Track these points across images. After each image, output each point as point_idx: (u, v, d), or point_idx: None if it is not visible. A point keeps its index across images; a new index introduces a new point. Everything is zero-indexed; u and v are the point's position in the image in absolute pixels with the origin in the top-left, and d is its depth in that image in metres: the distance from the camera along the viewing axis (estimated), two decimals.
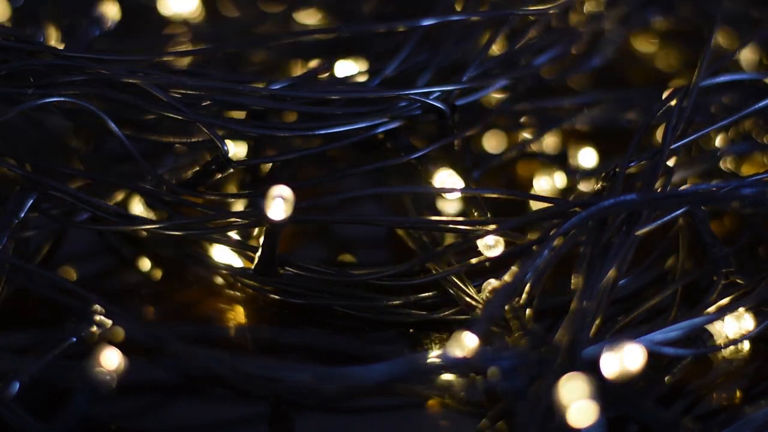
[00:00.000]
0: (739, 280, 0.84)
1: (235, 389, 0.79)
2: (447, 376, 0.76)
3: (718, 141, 0.98)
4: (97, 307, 0.80)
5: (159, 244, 0.94)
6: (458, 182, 0.90)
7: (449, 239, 0.91)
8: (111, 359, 0.73)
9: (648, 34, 1.13)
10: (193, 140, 0.92)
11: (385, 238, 0.96)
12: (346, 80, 0.92)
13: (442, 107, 0.90)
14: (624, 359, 0.71)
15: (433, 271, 0.87)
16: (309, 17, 1.09)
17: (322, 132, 0.89)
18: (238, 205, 0.92)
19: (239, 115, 0.91)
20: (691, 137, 0.89)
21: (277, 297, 0.88)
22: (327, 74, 0.93)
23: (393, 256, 0.95)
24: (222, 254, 0.91)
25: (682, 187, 0.90)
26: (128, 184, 0.91)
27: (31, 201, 0.87)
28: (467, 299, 0.84)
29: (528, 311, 0.81)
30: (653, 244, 0.89)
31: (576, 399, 0.68)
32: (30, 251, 0.92)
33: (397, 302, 0.87)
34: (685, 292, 0.87)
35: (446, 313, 0.86)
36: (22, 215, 0.87)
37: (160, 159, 0.95)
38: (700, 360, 0.82)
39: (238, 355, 0.75)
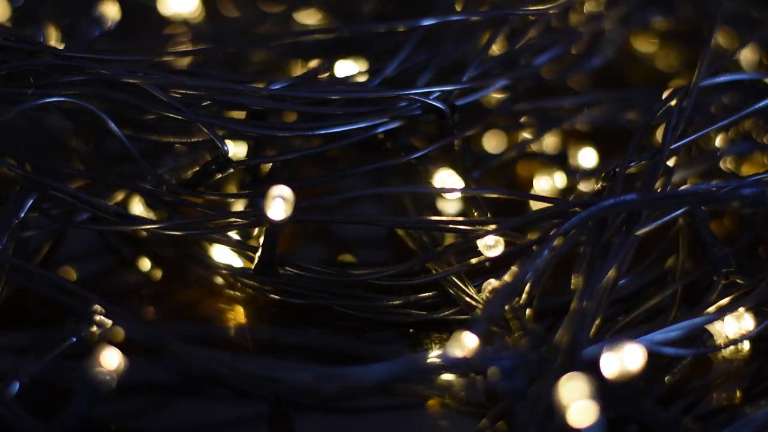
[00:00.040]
0: (739, 280, 0.84)
1: (235, 389, 0.79)
2: (447, 376, 0.76)
3: (718, 141, 0.98)
4: (97, 307, 0.80)
5: (159, 244, 0.94)
6: (458, 182, 0.90)
7: (449, 239, 0.91)
8: (111, 359, 0.73)
9: (648, 34, 1.13)
10: (193, 140, 0.92)
11: (385, 238, 0.96)
12: (346, 80, 0.92)
13: (442, 107, 0.90)
14: (624, 359, 0.71)
15: (433, 271, 0.87)
16: (309, 17, 1.09)
17: (322, 132, 0.89)
18: (238, 205, 0.92)
19: (239, 115, 0.91)
20: (691, 137, 0.89)
21: (277, 297, 0.88)
22: (327, 74, 0.93)
23: (393, 256, 0.95)
24: (222, 254, 0.91)
25: (682, 187, 0.90)
26: (128, 184, 0.91)
27: (31, 201, 0.87)
28: (467, 299, 0.84)
29: (528, 311, 0.81)
30: (653, 244, 0.89)
31: (576, 399, 0.68)
32: (30, 251, 0.92)
33: (397, 302, 0.87)
34: (685, 292, 0.87)
35: (446, 313, 0.86)
36: (22, 215, 0.87)
37: (160, 159, 0.95)
38: (700, 360, 0.82)
39: (238, 355, 0.75)
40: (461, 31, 0.94)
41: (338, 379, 0.72)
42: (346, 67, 0.93)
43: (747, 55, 1.07)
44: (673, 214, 0.85)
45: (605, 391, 0.70)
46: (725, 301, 0.82)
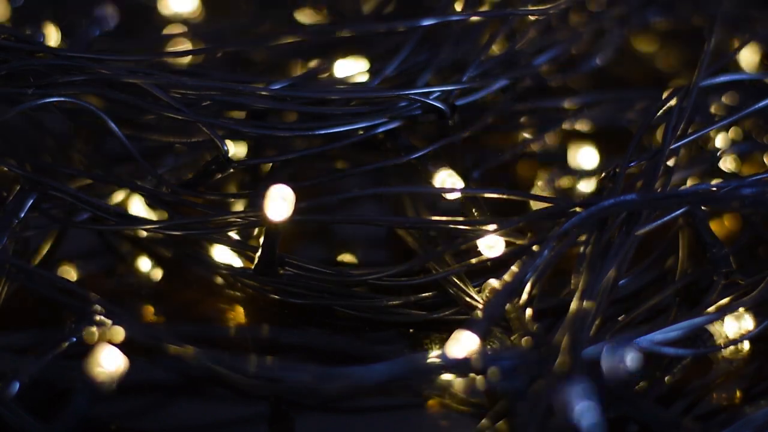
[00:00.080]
0: (739, 280, 0.84)
1: (235, 389, 0.79)
2: (447, 376, 0.76)
3: (718, 141, 0.98)
4: (97, 307, 0.80)
5: (159, 244, 0.94)
6: (458, 182, 0.90)
7: (449, 239, 0.91)
8: (111, 359, 0.73)
9: (648, 34, 1.13)
10: (193, 140, 0.92)
11: (385, 238, 0.96)
12: (346, 80, 0.92)
13: (442, 107, 0.90)
14: (624, 359, 0.71)
15: (433, 271, 0.87)
16: (309, 17, 1.09)
17: (322, 132, 0.89)
18: (238, 205, 0.92)
19: (239, 115, 0.91)
20: (691, 137, 0.89)
21: (277, 297, 0.88)
22: (327, 74, 0.93)
23: (393, 256, 0.95)
24: (222, 254, 0.91)
25: (682, 187, 0.91)
26: (128, 184, 0.91)
27: (31, 201, 0.87)
28: (467, 299, 0.84)
29: (528, 311, 0.81)
30: (653, 244, 0.89)
31: (576, 399, 0.68)
32: (30, 251, 0.92)
33: (397, 302, 0.87)
34: (685, 292, 0.87)
35: (446, 313, 0.86)
36: (22, 215, 0.87)
37: (160, 159, 0.95)
38: (700, 360, 0.82)
39: (238, 355, 0.75)
40: (461, 31, 0.94)
41: (338, 379, 0.72)
42: (346, 67, 0.93)
43: (747, 55, 1.07)
44: (673, 214, 0.85)
45: (605, 391, 0.70)
46: (725, 301, 0.82)
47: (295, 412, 0.81)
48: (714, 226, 0.90)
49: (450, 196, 0.92)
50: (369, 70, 0.93)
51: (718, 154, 0.96)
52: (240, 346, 0.85)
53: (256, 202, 0.83)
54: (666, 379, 0.79)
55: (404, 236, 0.92)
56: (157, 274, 0.95)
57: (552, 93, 1.04)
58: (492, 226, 0.85)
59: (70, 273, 0.93)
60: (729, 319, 0.82)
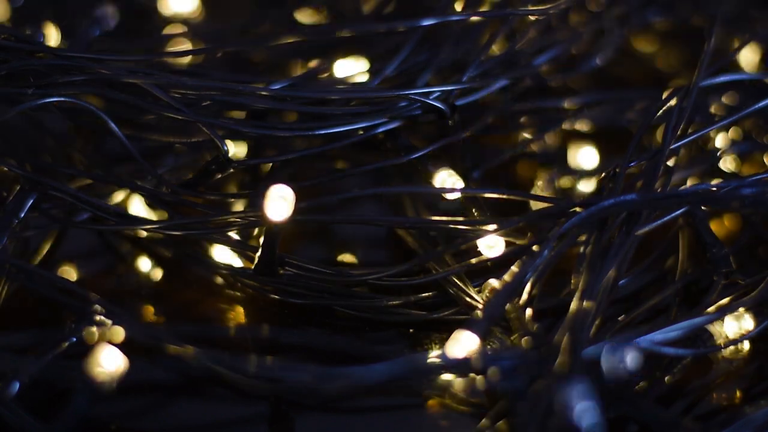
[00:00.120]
0: (739, 280, 0.84)
1: (235, 389, 0.79)
2: (447, 376, 0.76)
3: (718, 141, 0.98)
4: (97, 307, 0.80)
5: (159, 244, 0.94)
6: (458, 182, 0.90)
7: (449, 239, 0.91)
8: (111, 359, 0.73)
9: (648, 34, 1.13)
10: (193, 140, 0.92)
11: (385, 238, 0.96)
12: (346, 80, 0.92)
13: (442, 107, 0.90)
14: (624, 359, 0.71)
15: (433, 271, 0.87)
16: (309, 17, 1.09)
17: (322, 132, 0.89)
18: (238, 205, 0.92)
19: (239, 115, 0.91)
20: (691, 137, 0.89)
21: (277, 297, 0.88)
22: (327, 74, 0.93)
23: (393, 256, 0.95)
24: (222, 254, 0.91)
25: (682, 187, 0.91)
26: (128, 184, 0.91)
27: (31, 201, 0.87)
28: (467, 299, 0.84)
29: (528, 311, 0.81)
30: (653, 244, 0.89)
31: (576, 399, 0.68)
32: (30, 251, 0.92)
33: (397, 302, 0.87)
34: (685, 292, 0.87)
35: (446, 313, 0.86)
36: (22, 215, 0.87)
37: (160, 159, 0.95)
38: (700, 360, 0.82)
39: (238, 355, 0.75)
40: (461, 31, 0.94)
41: (338, 379, 0.72)
42: (346, 67, 0.93)
43: (747, 55, 1.07)
44: (673, 214, 0.85)
45: (605, 391, 0.70)
46: (725, 301, 0.82)
47: (295, 412, 0.81)
48: (714, 226, 0.90)
49: (450, 196, 0.92)
50: (369, 70, 0.93)
51: (718, 154, 0.96)
52: (240, 346, 0.85)
53: (256, 202, 0.82)
54: (666, 379, 0.79)
55: (404, 236, 0.92)
56: (157, 274, 0.95)
57: (552, 93, 1.04)
58: (492, 226, 0.85)
59: (70, 273, 0.93)
60: (729, 319, 0.82)
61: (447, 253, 0.87)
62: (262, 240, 0.84)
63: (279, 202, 0.81)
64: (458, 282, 0.85)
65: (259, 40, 1.03)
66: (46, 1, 1.05)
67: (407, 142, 0.92)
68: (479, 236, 0.86)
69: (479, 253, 0.86)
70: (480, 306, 0.83)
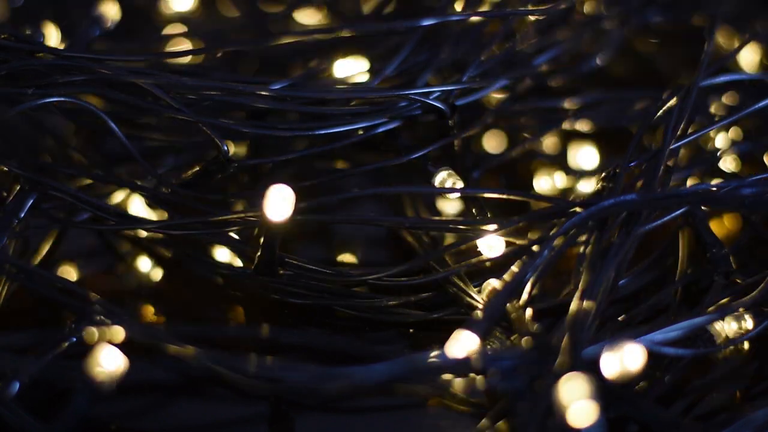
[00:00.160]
0: (739, 280, 0.84)
1: (235, 389, 0.79)
2: (447, 376, 0.76)
3: (718, 141, 0.98)
4: (97, 307, 0.80)
5: (159, 244, 0.94)
6: (458, 182, 0.90)
7: (449, 239, 0.91)
8: (111, 359, 0.73)
9: (648, 34, 1.13)
10: (193, 140, 0.92)
11: (385, 238, 0.96)
12: (346, 80, 0.92)
13: (442, 107, 0.90)
14: (624, 359, 0.71)
15: (433, 271, 0.87)
16: (309, 17, 1.09)
17: (322, 132, 0.89)
18: (238, 205, 0.92)
19: (239, 115, 0.91)
20: (691, 137, 0.89)
21: (277, 297, 0.88)
22: (327, 74, 0.93)
23: (393, 256, 0.95)
24: (222, 254, 0.91)
25: (682, 187, 0.91)
26: (128, 184, 0.91)
27: (31, 201, 0.87)
28: (467, 299, 0.84)
29: (528, 311, 0.81)
30: (653, 244, 0.89)
31: (576, 399, 0.68)
32: (30, 251, 0.92)
33: (397, 302, 0.87)
34: (685, 292, 0.87)
35: (446, 313, 0.86)
36: (22, 215, 0.87)
37: (160, 159, 0.95)
38: (700, 360, 0.82)
39: (238, 355, 0.75)
40: (461, 31, 0.94)
41: (338, 379, 0.72)
42: (346, 67, 0.93)
43: (747, 55, 1.07)
44: (673, 214, 0.85)
45: (605, 391, 0.70)
46: (725, 301, 0.82)
47: (295, 412, 0.81)
48: (714, 226, 0.90)
49: (450, 196, 0.92)
50: (369, 70, 0.93)
51: (718, 154, 0.96)
52: (240, 346, 0.85)
53: (256, 202, 0.82)
54: (666, 379, 0.79)
55: (404, 236, 0.92)
56: (157, 274, 0.95)
57: (552, 93, 1.04)
58: (492, 226, 0.85)
59: (70, 273, 0.93)
60: (729, 319, 0.81)
61: (447, 253, 0.87)
62: (262, 240, 0.84)
63: (279, 202, 0.81)
64: (458, 282, 0.85)
65: (259, 40, 1.03)
66: (46, 1, 1.05)
67: (407, 142, 0.92)
68: (479, 236, 0.86)
69: (479, 253, 0.86)
70: (480, 306, 0.83)
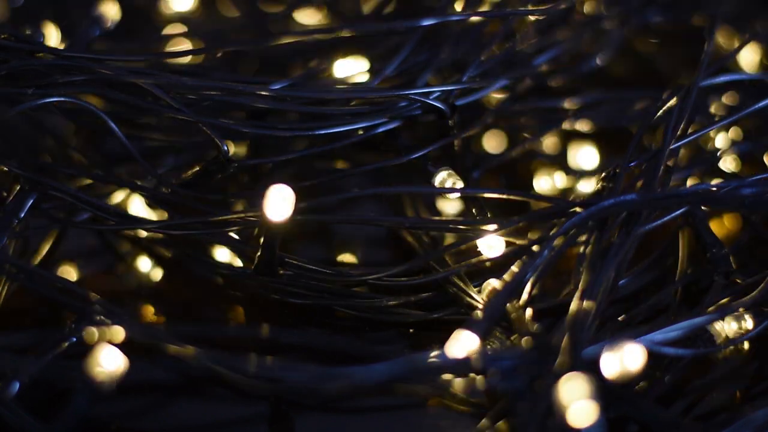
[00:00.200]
0: (739, 280, 0.84)
1: (235, 389, 0.79)
2: (447, 376, 0.76)
3: (718, 141, 0.98)
4: (97, 307, 0.80)
5: (159, 244, 0.94)
6: (458, 182, 0.90)
7: (449, 239, 0.91)
8: (111, 359, 0.73)
9: (648, 34, 1.13)
10: (193, 140, 0.92)
11: (385, 238, 0.96)
12: (346, 80, 0.92)
13: (442, 107, 0.90)
14: (624, 359, 0.71)
15: (433, 271, 0.87)
16: (309, 17, 1.09)
17: (322, 132, 0.89)
18: (238, 205, 0.92)
19: (239, 115, 0.91)
20: (691, 137, 0.89)
21: (277, 297, 0.88)
22: (327, 74, 0.93)
23: (393, 256, 0.95)
24: (222, 254, 0.91)
25: (682, 187, 0.90)
26: (128, 184, 0.91)
27: (31, 201, 0.87)
28: (467, 299, 0.84)
29: (528, 311, 0.81)
30: (653, 244, 0.89)
31: (576, 399, 0.68)
32: (30, 251, 0.92)
33: (397, 302, 0.87)
34: (685, 292, 0.87)
35: (446, 313, 0.86)
36: (22, 215, 0.87)
37: (160, 159, 0.95)
38: (700, 360, 0.82)
39: (238, 355, 0.75)
40: (461, 31, 0.94)
41: (338, 379, 0.72)
42: (346, 67, 0.93)
43: (747, 55, 1.07)
44: (673, 214, 0.85)
45: (605, 391, 0.70)
46: (725, 301, 0.82)
47: (295, 412, 0.81)
48: (714, 226, 0.90)
49: (450, 196, 0.92)
50: (369, 70, 0.93)
51: (718, 154, 0.96)
52: (240, 346, 0.85)
53: (256, 202, 0.82)
54: (666, 379, 0.79)
55: (404, 236, 0.92)
56: (157, 274, 0.95)
57: (552, 93, 1.04)
58: (492, 226, 0.85)
59: (70, 273, 0.93)
60: (729, 319, 0.81)
61: (447, 253, 0.87)
62: (262, 240, 0.84)
63: (279, 202, 0.81)
64: (458, 282, 0.85)
65: (259, 40, 1.03)
66: (46, 1, 1.05)
67: (407, 142, 0.92)
68: (479, 236, 0.86)
69: (479, 253, 0.86)
70: (480, 306, 0.83)
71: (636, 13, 1.07)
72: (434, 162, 0.91)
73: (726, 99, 1.00)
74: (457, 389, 0.76)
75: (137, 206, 0.94)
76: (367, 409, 0.81)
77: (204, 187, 0.90)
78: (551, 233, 0.81)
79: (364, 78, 0.92)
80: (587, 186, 0.99)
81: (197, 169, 0.91)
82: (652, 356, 0.74)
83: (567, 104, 1.02)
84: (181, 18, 1.09)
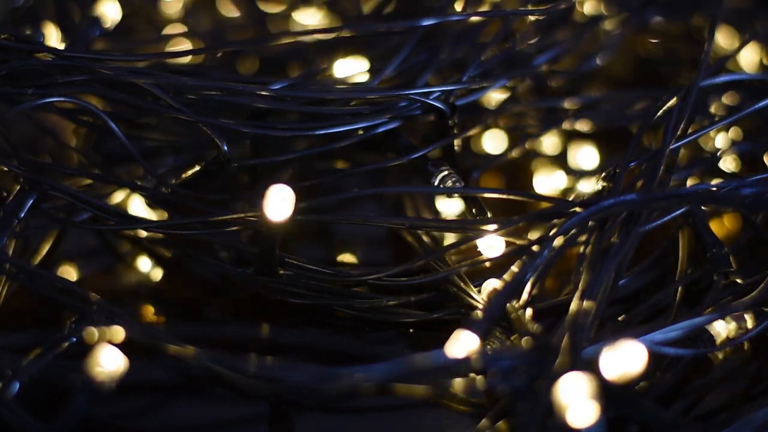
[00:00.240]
0: (739, 280, 0.84)
1: (235, 389, 0.79)
2: (447, 376, 0.76)
3: (718, 141, 0.98)
4: (97, 306, 0.80)
5: (159, 244, 0.94)
6: (458, 182, 0.90)
7: (449, 239, 0.91)
8: (111, 359, 0.73)
9: (648, 34, 1.13)
10: (193, 140, 0.92)
11: (385, 238, 0.96)
12: (346, 80, 0.92)
13: (442, 107, 0.90)
14: (624, 359, 0.71)
15: (433, 271, 0.87)
16: (309, 17, 1.09)
17: (322, 132, 0.89)
18: (238, 205, 0.92)
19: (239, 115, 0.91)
20: (691, 137, 0.89)
21: (277, 297, 0.88)
22: (327, 74, 0.93)
23: (393, 256, 0.95)
24: (221, 253, 0.91)
25: (682, 188, 0.90)
26: (128, 184, 0.91)
27: (31, 201, 0.87)
28: (467, 299, 0.84)
29: (528, 311, 0.81)
30: (653, 244, 0.89)
31: (576, 399, 0.68)
32: (30, 251, 0.92)
33: (397, 302, 0.87)
34: (685, 292, 0.87)
35: (446, 313, 0.86)
36: (22, 215, 0.87)
37: (160, 159, 0.95)
38: (700, 360, 0.82)
39: (238, 355, 0.75)
40: (461, 31, 0.94)
41: (338, 379, 0.72)
42: (346, 67, 0.93)
43: (747, 55, 1.07)
44: (673, 214, 0.85)
45: (605, 391, 0.70)
46: (725, 301, 0.82)
47: (295, 412, 0.81)
48: (714, 226, 0.90)
49: (450, 196, 0.92)
50: (369, 70, 0.93)
51: (718, 154, 0.96)
52: (240, 346, 0.85)
53: (256, 202, 0.82)
54: (666, 379, 0.79)
55: (404, 236, 0.92)
56: (157, 274, 0.95)
57: (552, 93, 1.04)
58: (492, 226, 0.85)
59: (70, 273, 0.93)
60: (729, 319, 0.81)
61: (447, 253, 0.87)
62: (262, 240, 0.84)
63: (279, 202, 0.81)
64: (458, 282, 0.85)
65: (259, 40, 1.03)
66: (46, 1, 1.05)
67: (407, 142, 0.92)
68: (479, 236, 0.86)
69: (479, 253, 0.86)
70: (480, 306, 0.83)
71: (636, 13, 1.07)
72: (434, 162, 0.91)
73: (726, 99, 1.00)
74: (457, 389, 0.76)
75: (137, 206, 0.94)
76: (367, 409, 0.81)
77: (204, 187, 0.90)
78: (551, 233, 0.81)
79: (364, 78, 0.92)
80: (587, 186, 0.99)
81: (197, 169, 0.91)
82: (652, 356, 0.74)
83: (567, 104, 1.02)
84: (182, 18, 1.09)
